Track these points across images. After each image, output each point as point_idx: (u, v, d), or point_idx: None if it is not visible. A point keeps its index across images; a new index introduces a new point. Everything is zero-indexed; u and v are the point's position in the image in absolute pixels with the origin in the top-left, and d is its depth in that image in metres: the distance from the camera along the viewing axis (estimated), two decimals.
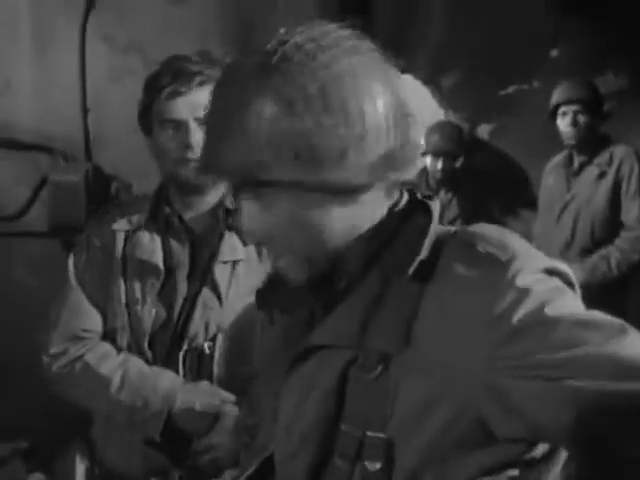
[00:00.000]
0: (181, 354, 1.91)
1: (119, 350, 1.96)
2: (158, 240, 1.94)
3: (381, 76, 1.10)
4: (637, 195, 3.64)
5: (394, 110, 1.10)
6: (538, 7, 3.97)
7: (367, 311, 1.09)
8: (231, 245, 1.91)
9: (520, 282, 1.02)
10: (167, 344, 1.93)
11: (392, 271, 1.09)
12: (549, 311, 1.00)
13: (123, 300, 1.95)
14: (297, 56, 1.07)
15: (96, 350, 1.95)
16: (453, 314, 1.03)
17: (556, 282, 1.05)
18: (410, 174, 1.13)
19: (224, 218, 1.91)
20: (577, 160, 3.81)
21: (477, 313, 1.02)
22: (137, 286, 1.94)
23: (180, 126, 1.86)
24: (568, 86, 3.79)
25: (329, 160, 1.06)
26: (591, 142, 3.76)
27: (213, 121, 1.13)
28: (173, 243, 1.94)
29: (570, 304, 1.03)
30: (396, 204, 1.15)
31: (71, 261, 2.03)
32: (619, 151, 3.71)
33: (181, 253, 1.94)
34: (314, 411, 1.11)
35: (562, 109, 3.77)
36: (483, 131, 4.48)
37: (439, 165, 4.25)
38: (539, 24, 4.11)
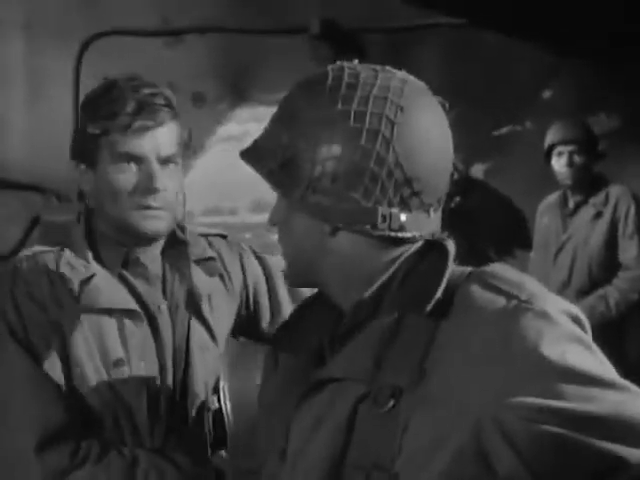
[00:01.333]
0: (191, 416, 1.60)
1: (108, 444, 1.53)
2: (118, 282, 1.58)
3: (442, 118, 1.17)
4: (634, 235, 3.62)
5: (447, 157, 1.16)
6: (531, 49, 4.00)
7: (381, 347, 1.09)
8: (202, 279, 1.66)
9: (540, 322, 1.03)
10: (167, 408, 1.58)
11: (409, 309, 1.10)
12: (569, 359, 1.00)
13: (101, 367, 1.53)
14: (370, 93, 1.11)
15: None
16: (470, 348, 1.04)
17: (576, 329, 1.06)
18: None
19: (185, 251, 1.65)
20: (572, 200, 3.80)
21: (495, 348, 1.02)
22: (114, 343, 1.54)
23: (141, 164, 1.53)
24: (563, 126, 3.78)
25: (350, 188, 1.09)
26: (587, 182, 3.75)
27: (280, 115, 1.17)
28: (137, 283, 1.59)
29: (589, 354, 1.04)
30: (412, 246, 1.17)
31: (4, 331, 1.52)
32: (615, 191, 3.70)
33: (153, 293, 1.61)
34: (322, 444, 1.10)
35: (557, 149, 3.76)
36: (477, 171, 4.48)
37: None
38: (532, 66, 4.14)
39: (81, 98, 1.67)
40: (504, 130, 4.38)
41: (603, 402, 0.98)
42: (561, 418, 0.97)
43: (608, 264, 3.65)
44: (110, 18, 4.03)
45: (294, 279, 1.23)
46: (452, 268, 1.13)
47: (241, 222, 4.33)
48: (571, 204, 3.80)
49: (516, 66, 4.16)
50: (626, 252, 3.62)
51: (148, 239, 1.59)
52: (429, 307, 1.09)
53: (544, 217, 3.93)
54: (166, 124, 1.55)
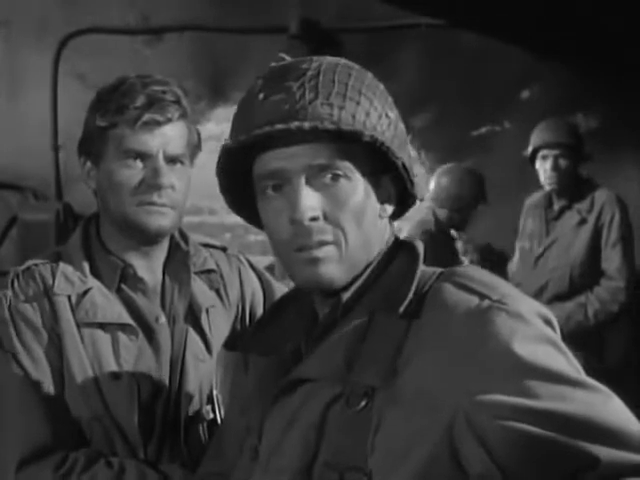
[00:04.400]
0: (182, 428, 1.58)
1: (95, 454, 1.51)
2: (114, 296, 1.57)
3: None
4: (617, 243, 3.53)
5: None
6: (509, 50, 4.02)
7: (352, 346, 1.09)
8: (202, 291, 1.66)
9: (513, 322, 1.03)
10: (161, 420, 1.57)
11: (381, 309, 1.10)
12: (541, 358, 1.01)
13: (94, 380, 1.53)
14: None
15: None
16: (443, 347, 1.04)
17: (548, 330, 1.06)
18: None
19: (186, 262, 1.64)
20: (557, 204, 3.70)
21: (468, 346, 1.02)
22: (108, 357, 1.54)
23: (147, 161, 1.53)
24: (547, 128, 3.65)
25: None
26: (572, 186, 3.64)
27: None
28: (136, 297, 1.59)
29: (560, 355, 1.04)
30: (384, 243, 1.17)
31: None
32: (600, 197, 3.59)
33: (152, 306, 1.60)
34: (295, 444, 1.10)
35: (542, 153, 3.62)
36: None
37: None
38: (510, 66, 4.17)
39: (59, 94, 1.65)
40: (483, 130, 4.41)
41: (574, 401, 0.98)
42: (533, 416, 0.97)
43: (589, 271, 3.56)
44: (89, 16, 4.01)
45: (351, 275, 1.13)
46: (422, 268, 1.14)
47: (220, 222, 4.33)
48: (556, 207, 3.70)
49: (495, 66, 4.18)
50: (609, 261, 3.53)
51: (152, 236, 1.57)
52: (402, 308, 1.09)
53: (529, 218, 3.85)
54: (175, 121, 1.54)
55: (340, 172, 1.08)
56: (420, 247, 1.16)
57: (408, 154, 1.13)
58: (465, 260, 4.18)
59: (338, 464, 1.06)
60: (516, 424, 0.97)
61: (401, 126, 1.14)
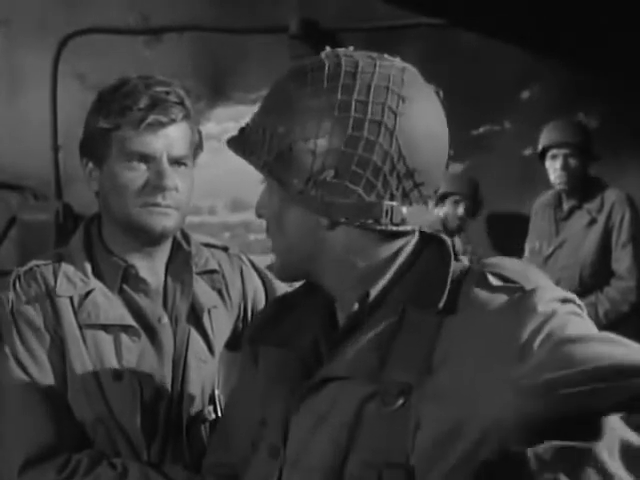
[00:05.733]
0: (185, 428, 1.58)
1: (99, 456, 1.51)
2: (116, 297, 1.57)
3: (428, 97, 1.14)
4: (628, 244, 3.54)
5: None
6: (509, 50, 4.02)
7: (384, 344, 1.08)
8: (204, 291, 1.65)
9: (544, 309, 1.03)
10: (164, 421, 1.57)
11: (413, 305, 1.09)
12: (573, 330, 1.01)
13: (97, 381, 1.53)
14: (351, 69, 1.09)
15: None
16: (479, 341, 1.03)
17: (573, 307, 1.06)
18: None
19: (188, 262, 1.64)
20: (567, 204, 3.70)
21: (504, 340, 1.02)
22: (110, 358, 1.53)
23: (151, 162, 1.52)
24: (557, 128, 3.66)
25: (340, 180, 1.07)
26: (582, 185, 3.64)
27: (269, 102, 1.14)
28: (138, 298, 1.58)
29: (588, 324, 1.05)
30: (409, 239, 1.15)
31: (8, 350, 1.53)
32: (610, 197, 3.60)
33: (154, 307, 1.59)
34: (325, 443, 1.09)
35: (552, 152, 3.63)
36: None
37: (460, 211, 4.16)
38: (511, 66, 4.16)
39: (58, 94, 1.65)
40: (482, 130, 4.40)
41: (618, 354, 0.96)
42: (582, 377, 0.95)
43: (600, 271, 3.57)
44: (89, 16, 4.01)
45: (286, 273, 1.19)
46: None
47: (220, 222, 4.32)
48: (565, 207, 3.69)
49: (495, 66, 4.17)
50: (619, 262, 3.54)
51: (156, 237, 1.56)
52: (441, 304, 1.07)
53: (538, 218, 3.83)
54: (179, 122, 1.53)
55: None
56: (449, 242, 1.15)
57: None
58: (464, 260, 4.17)
59: (376, 462, 1.05)
60: (564, 390, 0.95)
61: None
